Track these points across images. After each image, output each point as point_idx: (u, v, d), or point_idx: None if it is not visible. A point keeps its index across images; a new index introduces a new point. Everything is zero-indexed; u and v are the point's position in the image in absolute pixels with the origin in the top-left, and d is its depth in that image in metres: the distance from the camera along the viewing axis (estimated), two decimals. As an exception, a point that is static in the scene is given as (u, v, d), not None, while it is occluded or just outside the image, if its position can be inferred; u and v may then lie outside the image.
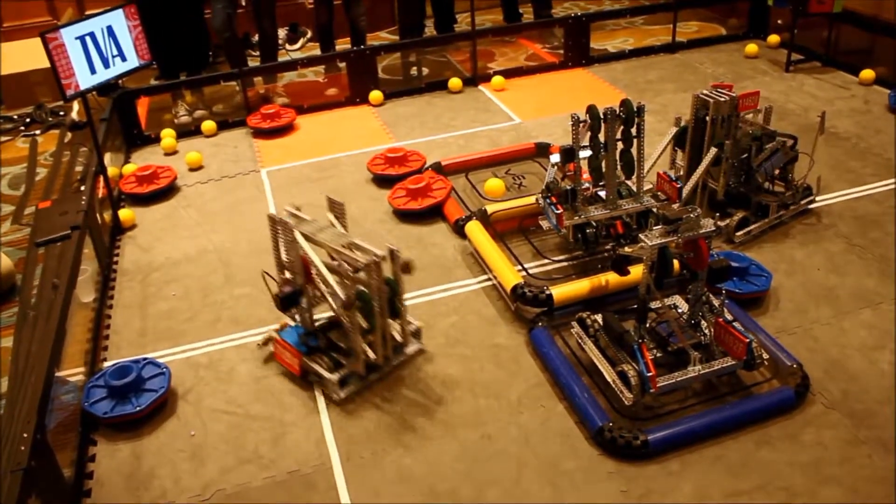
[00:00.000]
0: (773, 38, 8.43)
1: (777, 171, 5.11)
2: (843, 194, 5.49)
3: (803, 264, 4.80)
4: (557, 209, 4.48)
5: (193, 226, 5.72)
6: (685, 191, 4.85)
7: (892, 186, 5.55)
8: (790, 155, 5.07)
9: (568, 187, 4.45)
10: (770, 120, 5.11)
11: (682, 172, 5.13)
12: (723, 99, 4.81)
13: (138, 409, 3.87)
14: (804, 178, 5.17)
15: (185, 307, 4.82)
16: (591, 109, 4.40)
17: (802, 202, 5.24)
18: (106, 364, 4.31)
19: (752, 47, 8.26)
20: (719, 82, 5.04)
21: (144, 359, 4.18)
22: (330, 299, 3.97)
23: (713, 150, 4.87)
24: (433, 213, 5.52)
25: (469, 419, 3.83)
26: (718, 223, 3.69)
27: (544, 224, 4.78)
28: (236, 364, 4.31)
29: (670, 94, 7.44)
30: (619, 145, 4.55)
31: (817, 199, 5.31)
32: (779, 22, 8.44)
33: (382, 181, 6.02)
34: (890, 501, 3.28)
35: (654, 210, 4.52)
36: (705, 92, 4.90)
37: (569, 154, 4.43)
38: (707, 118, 4.87)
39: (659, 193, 4.57)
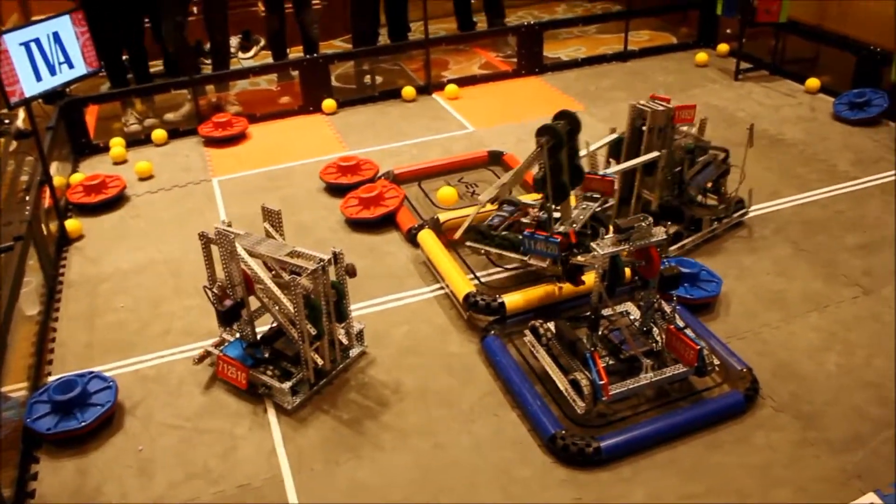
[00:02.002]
0: (723, 47, 8.57)
1: (709, 184, 5.13)
2: (790, 200, 5.59)
3: (752, 269, 4.86)
4: (556, 237, 4.17)
5: (143, 236, 5.63)
6: (613, 170, 4.79)
7: (837, 192, 5.67)
8: (722, 168, 5.09)
9: (544, 216, 4.38)
10: (704, 131, 5.12)
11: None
12: (660, 109, 4.77)
13: (83, 424, 3.78)
14: (736, 191, 5.21)
15: (134, 319, 4.73)
16: (552, 130, 4.10)
17: (735, 215, 5.25)
18: (50, 378, 4.21)
19: (702, 56, 8.39)
20: (656, 94, 5.00)
21: (90, 372, 4.08)
22: (275, 310, 3.92)
23: (653, 154, 4.79)
24: (386, 222, 5.50)
25: (421, 428, 3.80)
26: (669, 231, 3.70)
27: (540, 263, 4.31)
28: (186, 377, 4.23)
29: (622, 102, 7.49)
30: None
31: (751, 209, 5.35)
32: (728, 31, 8.58)
33: (335, 190, 5.97)
34: (837, 501, 3.33)
35: (596, 211, 4.51)
36: (643, 102, 4.86)
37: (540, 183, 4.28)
38: (644, 128, 4.82)
39: (590, 194, 4.50)
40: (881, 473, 3.45)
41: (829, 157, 6.20)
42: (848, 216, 5.37)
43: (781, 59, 7.99)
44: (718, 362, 3.85)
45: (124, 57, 7.85)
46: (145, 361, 4.38)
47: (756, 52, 8.10)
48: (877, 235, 5.14)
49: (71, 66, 5.55)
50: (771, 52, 7.97)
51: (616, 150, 5.11)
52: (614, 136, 5.08)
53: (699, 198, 5.14)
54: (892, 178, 5.84)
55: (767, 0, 7.41)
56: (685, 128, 5.05)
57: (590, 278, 4.12)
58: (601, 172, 4.61)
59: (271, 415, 3.93)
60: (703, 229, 5.10)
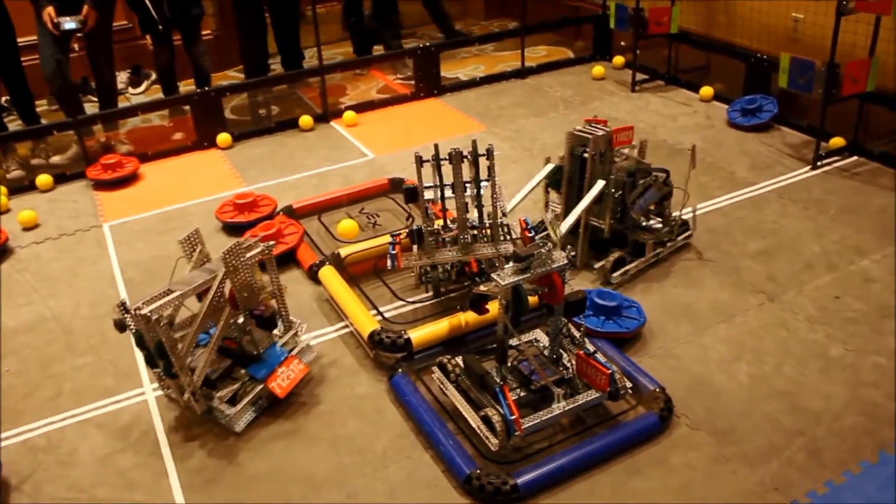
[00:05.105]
0: (618, 60, 8.67)
1: (652, 207, 5.00)
2: (694, 209, 5.60)
3: (660, 283, 4.84)
4: (394, 249, 4.30)
5: (29, 291, 5.30)
6: (563, 229, 4.67)
7: (737, 199, 5.73)
8: (664, 190, 4.98)
9: (415, 227, 4.30)
10: (645, 153, 5.01)
11: (559, 211, 4.98)
12: (600, 133, 4.69)
13: (-38, 509, 3.48)
14: (680, 213, 5.13)
15: (21, 384, 4.42)
16: (435, 149, 4.25)
17: (679, 238, 5.15)
18: (-77, 462, 3.88)
19: (598, 69, 8.46)
20: (593, 117, 4.92)
21: (-32, 451, 3.78)
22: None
23: (599, 184, 4.69)
24: (287, 260, 5.29)
25: (333, 479, 3.63)
26: (570, 256, 3.63)
27: (389, 263, 4.46)
28: (78, 443, 3.95)
29: (523, 119, 7.50)
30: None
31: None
32: (622, 44, 8.68)
33: (232, 229, 5.74)
34: (757, 517, 3.31)
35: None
36: (579, 128, 4.79)
37: (411, 194, 4.28)
38: (585, 155, 4.73)
39: (519, 240, 4.41)
40: (797, 482, 3.43)
41: (727, 164, 6.29)
42: (748, 222, 5.43)
43: (676, 69, 8.12)
44: (631, 385, 3.79)
45: (3, 99, 7.49)
46: (34, 430, 4.07)
47: (651, 63, 8.22)
48: (776, 240, 5.20)
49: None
50: (665, 63, 8.09)
51: (555, 181, 4.98)
52: (550, 166, 4.96)
53: (643, 221, 4.99)
54: (787, 181, 5.95)
55: (658, 12, 7.54)
56: (626, 150, 4.96)
57: (495, 307, 4.02)
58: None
59: (172, 478, 3.70)
60: (647, 254, 4.97)
